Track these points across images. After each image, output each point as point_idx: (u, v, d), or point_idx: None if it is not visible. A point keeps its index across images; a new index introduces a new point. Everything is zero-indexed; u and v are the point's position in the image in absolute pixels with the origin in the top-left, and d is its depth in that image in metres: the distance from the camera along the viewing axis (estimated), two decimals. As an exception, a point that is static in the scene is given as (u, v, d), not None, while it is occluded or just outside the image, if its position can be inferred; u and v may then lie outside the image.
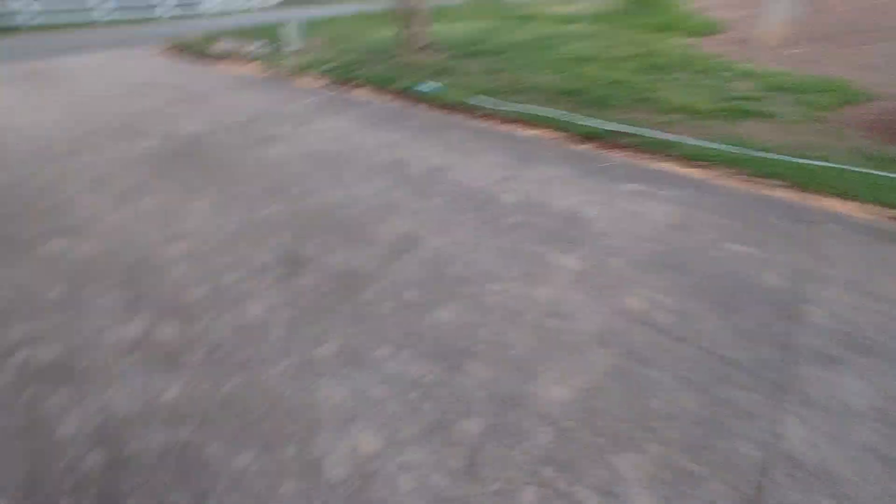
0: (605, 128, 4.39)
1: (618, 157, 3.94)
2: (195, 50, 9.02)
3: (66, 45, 11.24)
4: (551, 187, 3.41)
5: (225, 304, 2.32)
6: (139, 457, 1.63)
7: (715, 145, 3.94)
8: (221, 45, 9.46)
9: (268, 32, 11.21)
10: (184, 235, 2.88)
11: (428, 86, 5.71)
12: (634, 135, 4.25)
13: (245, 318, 2.24)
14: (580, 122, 4.54)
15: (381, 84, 5.94)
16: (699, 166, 3.72)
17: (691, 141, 4.05)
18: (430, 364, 1.98)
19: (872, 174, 3.36)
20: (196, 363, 2.00)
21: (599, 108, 4.97)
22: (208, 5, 20.93)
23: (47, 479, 1.56)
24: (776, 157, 3.69)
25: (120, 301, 2.35)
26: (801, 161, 3.59)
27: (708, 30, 9.43)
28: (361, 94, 5.78)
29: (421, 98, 5.48)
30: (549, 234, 2.86)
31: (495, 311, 2.26)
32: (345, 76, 6.35)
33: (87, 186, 3.47)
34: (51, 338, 2.12)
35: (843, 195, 3.20)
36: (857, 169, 3.45)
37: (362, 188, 3.44)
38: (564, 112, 4.80)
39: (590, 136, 4.35)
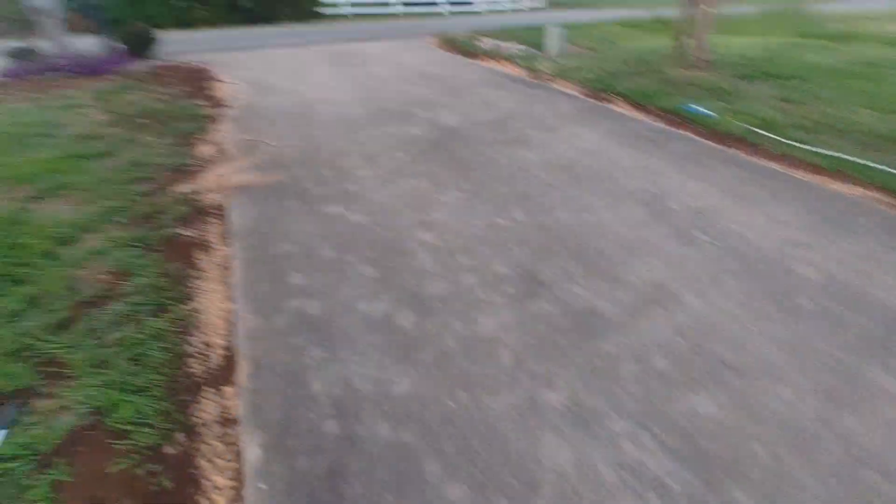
0: (974, 202, 3.11)
1: None
2: (463, 45, 9.77)
3: (366, 33, 13.48)
4: (874, 271, 2.53)
5: (459, 308, 2.30)
6: (366, 443, 1.68)
7: None
8: (486, 43, 10.04)
9: (530, 34, 11.50)
10: (432, 225, 3.01)
11: (699, 108, 4.96)
12: None
13: (476, 330, 2.17)
14: (927, 187, 3.31)
15: (643, 99, 5.41)
16: None
17: None
18: (679, 466, 1.58)
19: None
20: (426, 363, 2.00)
21: (959, 171, 3.57)
22: (480, 4, 22.71)
23: (293, 432, 1.72)
24: None
25: (372, 276, 2.55)
26: None
27: None
28: (619, 107, 5.36)
29: (688, 121, 4.79)
30: (870, 338, 2.09)
31: (778, 427, 1.72)
32: (603, 86, 6.00)
33: (362, 161, 3.95)
34: (318, 294, 2.40)
35: None
36: None
37: (611, 214, 3.11)
38: (898, 168, 3.58)
39: (942, 208, 3.14)
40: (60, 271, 2.54)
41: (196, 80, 7.06)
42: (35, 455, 1.65)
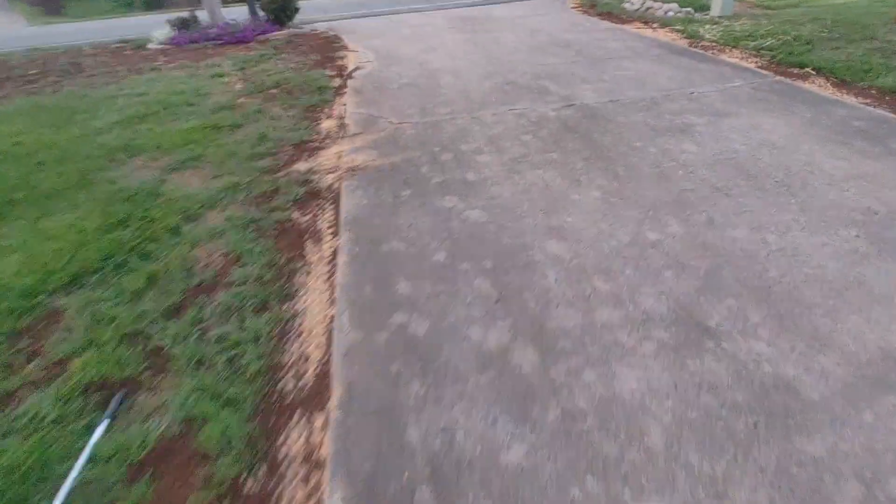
0: None
1: None
2: (605, 6, 8.65)
3: (496, -5, 12.71)
4: None
5: (594, 353, 1.82)
6: (465, 531, 1.33)
7: None
8: (632, 4, 8.78)
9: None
10: (563, 233, 2.51)
11: (943, 89, 3.65)
12: None
13: (616, 389, 1.68)
14: None
15: (853, 76, 4.15)
16: None
17: None
18: None
19: None
20: (548, 426, 1.58)
21: None
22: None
23: (382, 495, 1.43)
24: None
25: (488, 293, 2.15)
26: None
27: None
28: (816, 86, 4.19)
29: (925, 107, 3.54)
30: None
31: None
32: (790, 57, 4.76)
33: (484, 145, 3.52)
34: (424, 310, 2.08)
35: None
36: None
37: (809, 238, 2.32)
38: None
39: None
40: (181, 250, 2.55)
41: (326, 48, 7.12)
42: (127, 460, 1.58)
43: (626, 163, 3.13)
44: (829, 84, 4.17)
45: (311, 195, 3.05)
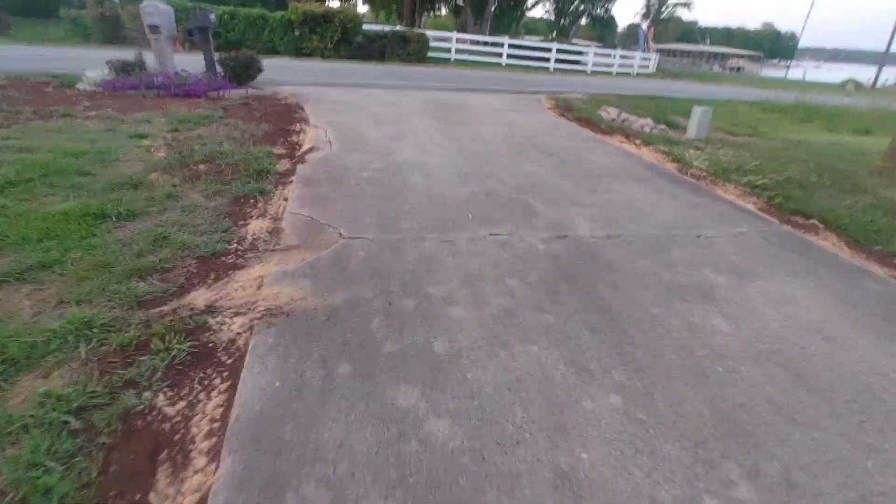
0: None
1: None
2: (581, 113, 8.54)
3: (471, 82, 12.76)
4: None
5: None
6: None
7: None
8: (608, 114, 8.74)
9: (654, 105, 10.12)
10: (580, 488, 1.61)
11: (972, 269, 3.24)
12: None
13: None
14: None
15: (864, 237, 3.75)
16: None
17: None
18: None
19: None
20: None
21: None
22: (589, 63, 21.88)
23: None
24: None
25: None
26: None
27: None
28: (830, 244, 3.74)
29: (961, 291, 3.08)
30: None
31: None
32: (789, 202, 4.40)
33: (458, 288, 2.68)
34: None
35: None
36: None
37: (938, 533, 1.55)
38: None
39: None
40: (-79, 474, 1.43)
41: (282, 118, 6.34)
42: None
43: (646, 341, 2.35)
44: (842, 243, 3.74)
45: (198, 358, 2.02)
